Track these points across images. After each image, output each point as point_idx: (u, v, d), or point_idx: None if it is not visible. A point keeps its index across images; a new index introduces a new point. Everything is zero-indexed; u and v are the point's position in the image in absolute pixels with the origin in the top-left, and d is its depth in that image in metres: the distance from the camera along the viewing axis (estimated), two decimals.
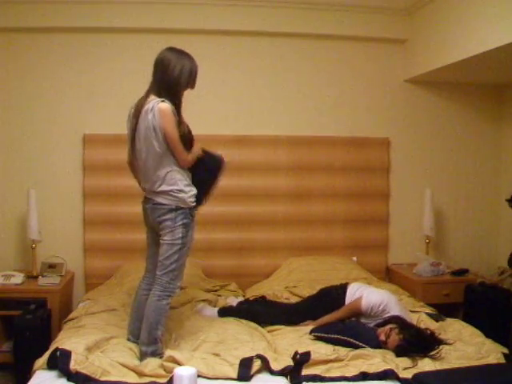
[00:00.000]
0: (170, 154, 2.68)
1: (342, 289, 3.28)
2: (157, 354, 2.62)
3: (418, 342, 2.71)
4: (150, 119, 2.63)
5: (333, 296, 3.26)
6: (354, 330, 2.86)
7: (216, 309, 3.39)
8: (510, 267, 3.45)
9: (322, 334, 2.82)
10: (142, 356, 2.63)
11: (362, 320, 3.07)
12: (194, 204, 2.72)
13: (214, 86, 4.19)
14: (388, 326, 2.82)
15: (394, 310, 3.01)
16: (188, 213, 2.70)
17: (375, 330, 2.89)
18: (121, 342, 2.76)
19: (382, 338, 2.78)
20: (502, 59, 3.47)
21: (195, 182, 2.77)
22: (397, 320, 2.88)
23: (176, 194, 2.67)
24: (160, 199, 2.70)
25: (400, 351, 2.69)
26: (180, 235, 2.67)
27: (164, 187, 2.69)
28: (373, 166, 4.34)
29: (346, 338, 2.76)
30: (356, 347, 2.72)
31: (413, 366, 2.54)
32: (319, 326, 2.97)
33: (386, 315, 2.98)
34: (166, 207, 2.67)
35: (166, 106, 2.63)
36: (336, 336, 2.78)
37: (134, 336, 2.79)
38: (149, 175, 2.74)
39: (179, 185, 2.68)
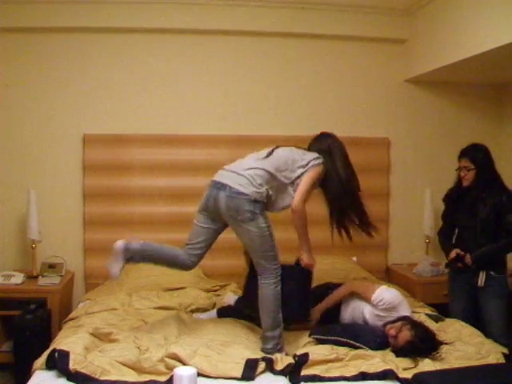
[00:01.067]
0: (277, 180, 2.83)
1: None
2: (281, 336, 2.74)
3: (428, 341, 2.72)
4: (303, 157, 2.93)
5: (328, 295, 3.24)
6: (353, 332, 2.85)
7: (214, 310, 3.37)
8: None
9: (321, 337, 2.81)
10: (269, 340, 2.72)
11: (374, 316, 3.03)
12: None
13: (214, 86, 4.19)
14: (400, 322, 2.82)
15: (405, 312, 3.01)
16: (263, 206, 2.77)
17: (383, 327, 2.89)
18: (119, 338, 2.76)
19: (392, 332, 2.76)
20: (501, 59, 3.47)
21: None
22: (408, 318, 2.90)
23: (257, 189, 2.73)
24: (241, 188, 2.71)
25: (409, 348, 2.66)
26: (264, 224, 2.74)
27: (252, 172, 2.76)
28: (373, 165, 4.34)
29: (345, 340, 2.75)
30: (356, 349, 2.71)
31: (414, 367, 2.54)
32: (318, 328, 2.96)
33: (395, 314, 2.97)
34: (246, 197, 2.70)
35: (321, 168, 2.96)
36: (335, 338, 2.77)
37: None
38: (246, 163, 2.84)
39: (264, 185, 2.76)
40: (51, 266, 3.79)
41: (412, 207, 4.42)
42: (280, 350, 2.72)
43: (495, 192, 3.25)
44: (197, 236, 2.89)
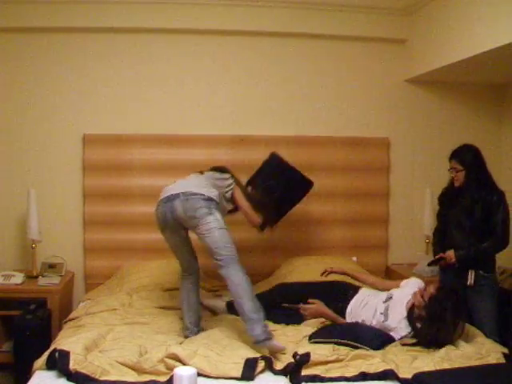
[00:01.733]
0: (217, 189, 3.08)
1: (355, 290, 3.35)
2: (264, 319, 2.77)
3: (453, 296, 2.88)
4: (218, 176, 3.22)
5: (345, 293, 3.32)
6: (353, 333, 2.85)
7: (223, 302, 3.38)
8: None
9: (322, 340, 2.79)
10: (256, 324, 2.71)
11: (403, 292, 3.14)
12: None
13: (214, 86, 4.19)
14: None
15: None
16: (217, 205, 2.96)
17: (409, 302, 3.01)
18: (118, 337, 2.77)
19: (420, 292, 3.00)
20: (501, 59, 3.47)
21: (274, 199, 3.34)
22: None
23: (209, 190, 2.99)
24: (195, 189, 2.94)
25: (434, 301, 2.83)
26: (221, 219, 2.91)
27: (197, 182, 3.06)
28: (373, 165, 4.34)
29: (346, 342, 2.74)
30: (356, 349, 2.71)
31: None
32: (318, 331, 2.95)
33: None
34: (200, 196, 2.91)
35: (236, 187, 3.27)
36: (336, 340, 2.76)
37: (189, 329, 3.00)
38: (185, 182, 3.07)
39: (213, 189, 3.03)
40: (51, 266, 3.80)
41: (412, 207, 4.43)
42: (269, 335, 2.70)
43: (486, 192, 3.25)
44: (180, 252, 3.10)
